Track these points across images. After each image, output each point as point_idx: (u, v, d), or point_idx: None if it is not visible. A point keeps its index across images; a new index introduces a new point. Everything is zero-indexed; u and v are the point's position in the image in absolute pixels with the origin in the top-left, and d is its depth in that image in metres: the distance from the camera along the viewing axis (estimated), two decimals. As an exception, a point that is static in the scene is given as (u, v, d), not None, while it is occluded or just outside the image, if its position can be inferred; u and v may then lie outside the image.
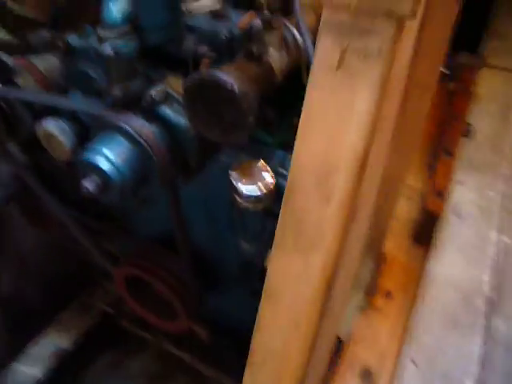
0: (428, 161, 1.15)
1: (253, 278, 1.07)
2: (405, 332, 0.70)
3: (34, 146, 1.02)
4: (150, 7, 0.73)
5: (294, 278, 0.39)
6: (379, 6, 0.31)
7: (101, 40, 0.71)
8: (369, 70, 0.31)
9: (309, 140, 0.35)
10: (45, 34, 0.89)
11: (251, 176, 0.74)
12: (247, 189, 0.74)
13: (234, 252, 1.01)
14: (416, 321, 0.69)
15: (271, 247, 0.88)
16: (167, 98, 0.80)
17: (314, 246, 0.37)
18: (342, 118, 0.33)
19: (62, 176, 1.08)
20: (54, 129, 0.82)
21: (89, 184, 0.75)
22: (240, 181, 0.74)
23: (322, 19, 0.33)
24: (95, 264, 1.57)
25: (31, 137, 0.99)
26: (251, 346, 0.43)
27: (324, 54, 0.33)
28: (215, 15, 0.83)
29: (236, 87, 0.65)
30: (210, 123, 0.71)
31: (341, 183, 0.35)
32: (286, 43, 0.77)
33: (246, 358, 1.26)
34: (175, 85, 0.81)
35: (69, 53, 0.87)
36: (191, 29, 0.82)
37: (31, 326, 1.58)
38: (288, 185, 0.38)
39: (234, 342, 1.25)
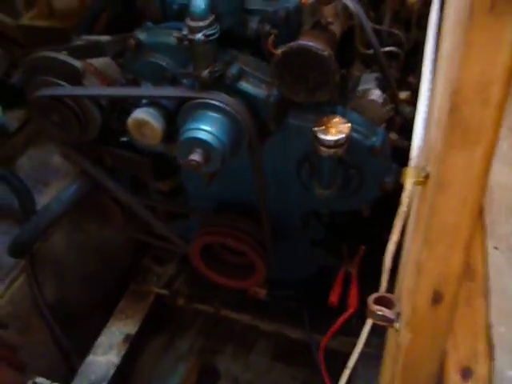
0: None
1: (314, 228, 1.22)
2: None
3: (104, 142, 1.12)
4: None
5: (461, 168, 0.53)
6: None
7: (192, 30, 0.82)
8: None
9: (468, 64, 0.49)
10: (113, 36, 0.98)
11: (331, 127, 0.88)
12: (329, 136, 0.87)
13: (299, 205, 1.15)
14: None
15: (343, 193, 1.02)
16: (243, 74, 0.92)
17: (478, 140, 0.51)
18: (496, 45, 0.48)
19: (128, 167, 1.17)
20: (146, 116, 0.92)
21: (196, 156, 0.87)
22: (322, 132, 0.88)
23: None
24: (150, 250, 1.67)
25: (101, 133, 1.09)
26: (427, 229, 0.57)
27: (479, 1, 0.47)
28: (268, -3, 0.95)
29: (326, 52, 0.78)
30: (297, 87, 0.85)
31: (496, 91, 0.49)
32: (338, 13, 0.90)
33: (308, 306, 1.41)
34: (247, 62, 0.93)
35: (139, 48, 0.96)
36: (251, 12, 0.94)
37: (82, 328, 1.66)
38: (452, 102, 0.52)
39: (293, 293, 1.40)
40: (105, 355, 1.45)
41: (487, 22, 0.47)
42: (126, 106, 1.06)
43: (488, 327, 0.73)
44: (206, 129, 0.87)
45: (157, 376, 1.74)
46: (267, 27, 0.93)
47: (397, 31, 0.98)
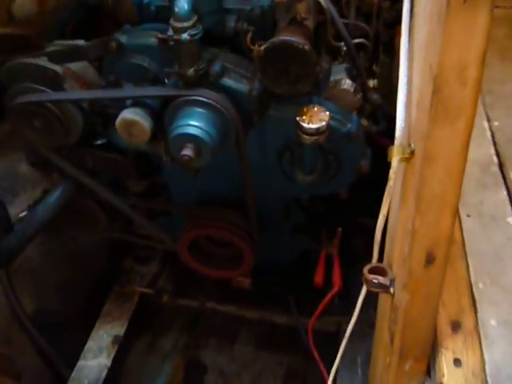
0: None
1: (295, 214, 1.28)
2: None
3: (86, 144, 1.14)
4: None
5: (445, 141, 0.60)
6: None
7: (177, 31, 0.86)
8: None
9: (447, 50, 0.56)
10: (94, 40, 1.00)
11: (312, 116, 0.94)
12: (312, 125, 0.93)
13: (280, 193, 1.21)
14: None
15: (323, 178, 1.08)
16: (225, 71, 0.96)
17: (458, 116, 0.59)
18: (470, 32, 0.55)
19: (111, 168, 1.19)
20: (135, 116, 0.94)
21: (188, 151, 0.91)
22: (304, 121, 0.94)
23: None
24: (125, 251, 1.68)
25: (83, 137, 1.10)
26: (418, 199, 0.64)
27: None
28: (242, -4, 1.00)
29: (307, 46, 0.84)
30: (279, 80, 0.90)
31: (472, 72, 0.57)
32: (310, 9, 0.97)
33: (292, 290, 1.47)
34: (227, 59, 0.98)
35: (121, 50, 0.99)
36: (228, 11, 0.98)
37: (64, 335, 1.65)
38: (435, 84, 0.59)
39: (277, 279, 1.46)
40: (95, 359, 1.46)
41: (462, 12, 0.55)
42: (105, 107, 1.09)
43: (469, 285, 0.81)
44: (195, 124, 0.91)
45: (144, 376, 1.75)
46: (244, 25, 0.98)
47: (363, 24, 1.05)
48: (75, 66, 1.07)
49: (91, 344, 1.50)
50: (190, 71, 0.90)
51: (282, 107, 1.02)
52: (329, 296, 1.29)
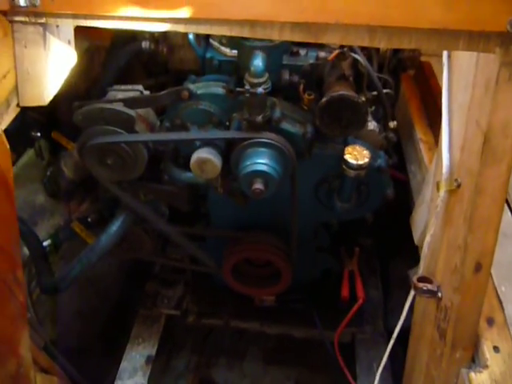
0: None
1: (321, 236, 1.46)
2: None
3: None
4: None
5: (492, 178, 0.80)
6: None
7: (253, 85, 1.03)
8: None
9: (496, 112, 0.77)
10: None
11: (357, 154, 1.14)
12: (357, 161, 1.13)
13: (313, 218, 1.38)
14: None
15: (360, 205, 1.27)
16: (284, 117, 1.14)
17: (502, 159, 0.79)
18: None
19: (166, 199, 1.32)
20: (208, 154, 1.10)
21: (259, 185, 1.07)
22: (351, 158, 1.13)
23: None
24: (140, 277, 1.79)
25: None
26: (470, 221, 0.84)
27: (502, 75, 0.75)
28: (293, 53, 1.19)
29: (360, 99, 1.04)
30: (333, 125, 1.09)
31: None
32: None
33: (315, 305, 1.63)
34: (284, 106, 1.16)
35: (191, 97, 1.15)
36: (283, 66, 1.17)
37: (84, 361, 1.72)
38: (485, 137, 0.79)
39: (300, 296, 1.62)
40: (131, 378, 1.55)
41: (507, 86, 0.76)
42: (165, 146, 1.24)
43: (495, 288, 1.02)
44: (263, 162, 1.08)
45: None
46: (296, 78, 1.17)
47: (387, 77, 1.27)
48: (141, 110, 1.22)
49: (125, 364, 1.59)
50: (259, 118, 1.08)
51: (325, 146, 1.21)
52: (355, 308, 1.47)
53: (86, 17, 0.80)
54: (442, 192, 0.93)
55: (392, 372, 1.57)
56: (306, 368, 1.87)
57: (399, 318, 1.76)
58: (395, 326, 1.74)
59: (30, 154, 1.58)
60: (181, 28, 0.78)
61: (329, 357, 1.72)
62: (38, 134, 1.55)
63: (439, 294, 0.96)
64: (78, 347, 1.73)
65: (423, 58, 1.49)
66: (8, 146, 0.84)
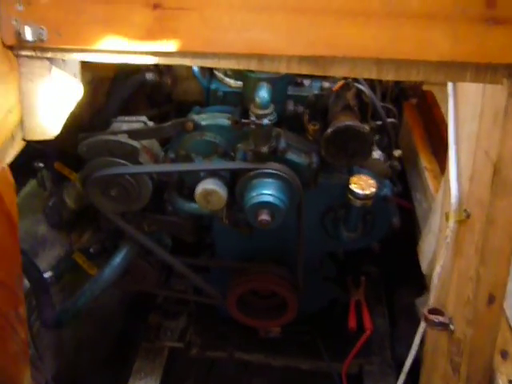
0: None
1: (327, 266, 1.44)
2: None
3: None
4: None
5: (504, 209, 0.78)
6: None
7: (259, 116, 1.03)
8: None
9: (505, 142, 0.77)
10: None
11: (363, 184, 1.13)
12: (363, 191, 1.12)
13: (319, 248, 1.36)
14: None
15: (366, 234, 1.25)
16: (289, 147, 1.14)
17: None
18: None
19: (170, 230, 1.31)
20: (214, 186, 1.09)
21: (265, 216, 1.06)
22: (357, 188, 1.12)
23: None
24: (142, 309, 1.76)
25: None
26: (481, 252, 0.82)
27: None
28: (297, 84, 1.20)
29: (366, 129, 1.04)
30: (339, 154, 1.09)
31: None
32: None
33: (320, 336, 1.60)
34: (288, 136, 1.16)
35: (196, 129, 1.14)
36: (287, 96, 1.18)
37: None
38: (495, 167, 0.78)
39: (306, 327, 1.59)
40: (133, 415, 1.50)
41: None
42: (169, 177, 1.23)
43: (507, 321, 1.00)
44: (269, 193, 1.07)
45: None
46: (301, 108, 1.18)
47: (391, 106, 1.28)
48: (146, 141, 1.21)
49: (129, 401, 1.54)
50: (265, 148, 1.07)
51: (330, 176, 1.21)
52: (363, 339, 1.44)
53: (92, 52, 0.80)
54: (452, 222, 0.92)
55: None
56: (312, 400, 1.83)
57: (406, 348, 1.73)
58: (402, 355, 1.70)
59: (32, 184, 1.57)
60: (187, 62, 0.79)
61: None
62: (41, 165, 1.55)
63: (451, 327, 0.94)
64: (79, 381, 1.70)
65: (425, 87, 1.51)
66: (13, 181, 0.83)
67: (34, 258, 1.55)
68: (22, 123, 0.84)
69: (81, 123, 1.43)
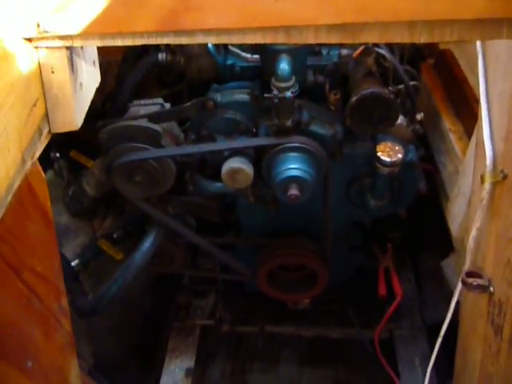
0: None
1: (354, 236, 1.44)
2: None
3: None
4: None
5: None
6: None
7: (281, 90, 1.01)
8: None
9: None
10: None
11: (390, 151, 1.11)
12: (391, 158, 1.10)
13: (345, 219, 1.36)
14: None
15: (393, 201, 1.24)
16: (312, 119, 1.12)
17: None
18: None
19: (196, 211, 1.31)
20: (240, 164, 1.08)
21: (294, 191, 1.05)
22: (384, 155, 1.11)
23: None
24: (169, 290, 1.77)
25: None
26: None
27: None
28: (315, 53, 1.17)
29: (392, 95, 1.01)
30: (364, 123, 1.07)
31: None
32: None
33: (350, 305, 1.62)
34: (311, 108, 1.13)
35: (216, 107, 1.12)
36: (307, 66, 1.15)
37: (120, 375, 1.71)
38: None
39: (335, 296, 1.60)
40: (171, 393, 1.54)
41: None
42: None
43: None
44: (297, 167, 1.06)
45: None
46: (321, 78, 1.15)
47: (411, 68, 1.24)
48: (165, 124, 1.20)
49: (166, 379, 1.58)
50: (289, 122, 1.05)
51: (354, 145, 1.19)
52: (394, 305, 1.45)
53: (113, 36, 0.78)
54: (488, 184, 0.91)
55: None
56: (343, 368, 1.84)
57: (433, 311, 1.75)
58: (429, 318, 1.73)
59: (49, 174, 1.57)
60: (212, 40, 0.76)
61: (366, 355, 1.70)
62: (58, 155, 1.54)
63: (491, 289, 0.94)
64: (113, 365, 1.73)
65: (442, 46, 1.46)
66: (44, 175, 0.82)
67: (59, 248, 1.57)
68: (47, 116, 0.83)
69: (92, 109, 1.42)
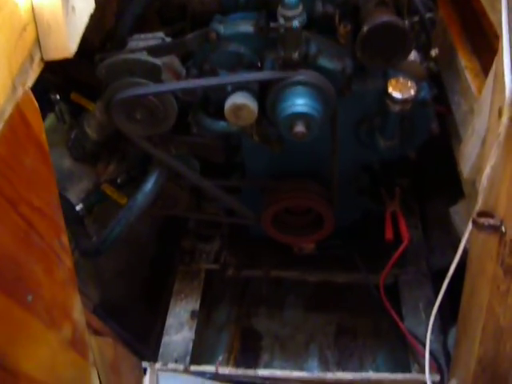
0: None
1: (362, 179, 1.40)
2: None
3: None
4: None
5: None
6: None
7: (288, 19, 0.94)
8: None
9: None
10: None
11: (401, 87, 1.06)
12: (402, 95, 1.05)
13: (354, 160, 1.32)
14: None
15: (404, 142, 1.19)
16: (320, 52, 1.06)
17: None
18: None
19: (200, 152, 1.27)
20: (244, 99, 1.03)
21: (300, 128, 1.01)
22: (396, 92, 1.05)
23: None
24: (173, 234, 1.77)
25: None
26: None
27: None
28: (325, -18, 1.09)
29: (405, 25, 0.94)
30: (376, 56, 1.01)
31: None
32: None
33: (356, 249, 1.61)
34: (319, 40, 1.07)
35: (219, 39, 1.06)
36: (314, -4, 1.07)
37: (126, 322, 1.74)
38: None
39: (340, 241, 1.58)
40: (179, 333, 1.56)
41: None
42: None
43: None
44: (303, 102, 1.01)
45: (204, 348, 1.86)
46: (331, 8, 1.08)
47: (429, 0, 1.16)
48: (165, 58, 1.14)
49: (171, 321, 1.60)
50: (295, 55, 1.00)
51: (364, 81, 1.13)
52: (400, 249, 1.43)
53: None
54: (505, 118, 0.86)
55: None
56: (347, 312, 1.86)
57: (439, 257, 1.73)
58: (436, 264, 1.71)
59: (50, 118, 1.53)
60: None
61: (370, 299, 1.71)
62: (58, 97, 1.49)
63: (502, 229, 0.91)
64: (120, 307, 1.75)
65: (460, -24, 1.37)
66: (37, 105, 0.78)
67: (62, 193, 1.56)
68: (38, 42, 0.78)
69: (92, 48, 1.36)
